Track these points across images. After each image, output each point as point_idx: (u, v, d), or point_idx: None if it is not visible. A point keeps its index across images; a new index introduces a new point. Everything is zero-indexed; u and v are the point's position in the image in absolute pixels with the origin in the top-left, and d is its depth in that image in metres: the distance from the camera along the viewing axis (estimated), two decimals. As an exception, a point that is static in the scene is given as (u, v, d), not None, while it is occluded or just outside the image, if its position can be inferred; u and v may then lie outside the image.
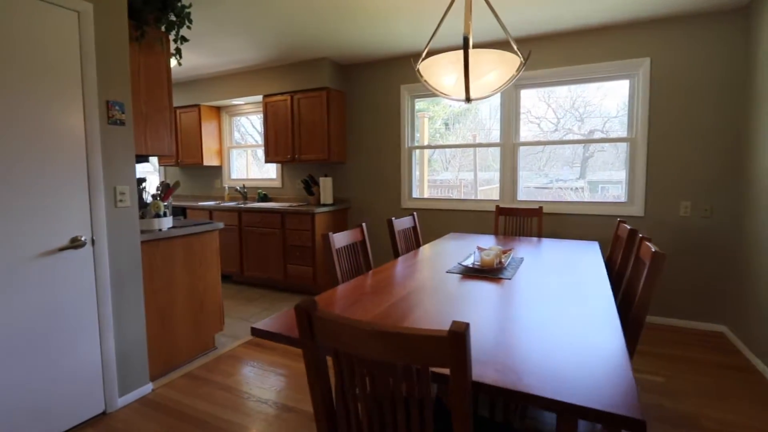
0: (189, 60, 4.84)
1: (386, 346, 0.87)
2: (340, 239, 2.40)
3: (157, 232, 2.81)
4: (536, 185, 4.33)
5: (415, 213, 3.44)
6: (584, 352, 1.21)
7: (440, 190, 4.98)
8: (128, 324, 2.55)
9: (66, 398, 2.23)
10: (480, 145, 4.54)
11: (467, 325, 0.78)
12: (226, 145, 6.23)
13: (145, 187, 2.87)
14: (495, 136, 4.48)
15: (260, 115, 5.96)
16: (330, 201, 5.04)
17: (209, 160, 6.01)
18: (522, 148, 4.27)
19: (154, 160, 6.23)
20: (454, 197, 4.78)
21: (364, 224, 2.66)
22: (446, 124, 4.89)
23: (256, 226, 4.99)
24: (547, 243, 3.18)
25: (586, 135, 4.09)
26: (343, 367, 1.01)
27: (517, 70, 2.11)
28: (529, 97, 4.24)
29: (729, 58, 3.37)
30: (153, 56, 2.92)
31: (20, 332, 2.03)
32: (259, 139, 6.10)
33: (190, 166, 6.18)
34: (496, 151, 4.48)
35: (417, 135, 4.88)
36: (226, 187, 6.20)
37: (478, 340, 1.31)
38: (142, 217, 2.83)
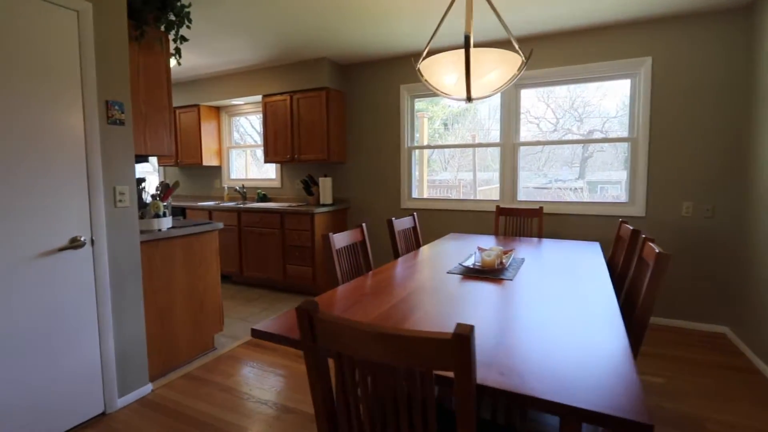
0: (188, 60, 4.82)
1: (389, 349, 0.86)
2: (340, 240, 2.39)
3: (157, 232, 2.80)
4: (535, 185, 4.32)
5: (415, 213, 3.43)
6: (588, 354, 1.20)
7: (439, 190, 4.97)
8: (128, 324, 2.54)
9: (65, 398, 2.22)
10: (480, 145, 4.53)
11: (472, 327, 0.77)
12: (226, 145, 6.21)
13: (144, 187, 2.86)
14: (494, 136, 4.47)
15: (259, 115, 5.94)
16: (329, 201, 5.03)
17: (209, 160, 6.00)
18: (521, 149, 4.26)
19: (153, 160, 6.22)
20: (453, 197, 4.77)
21: (364, 224, 2.65)
22: (445, 125, 4.89)
23: (256, 227, 4.98)
24: (548, 243, 3.17)
25: (585, 135, 4.09)
26: (344, 369, 1.00)
27: (518, 70, 2.10)
28: (528, 97, 4.23)
29: (731, 58, 3.36)
30: (152, 56, 2.91)
31: (20, 332, 2.02)
32: (258, 140, 6.08)
33: (190, 166, 6.16)
34: (495, 151, 4.47)
35: (416, 135, 4.87)
36: (226, 187, 6.19)
37: (480, 341, 1.30)
38: (141, 217, 2.82)
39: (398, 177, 4.86)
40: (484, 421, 1.40)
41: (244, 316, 4.09)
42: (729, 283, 3.48)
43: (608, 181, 4.10)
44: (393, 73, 4.79)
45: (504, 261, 2.34)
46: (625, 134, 3.88)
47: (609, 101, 3.95)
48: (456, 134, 4.79)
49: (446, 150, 4.87)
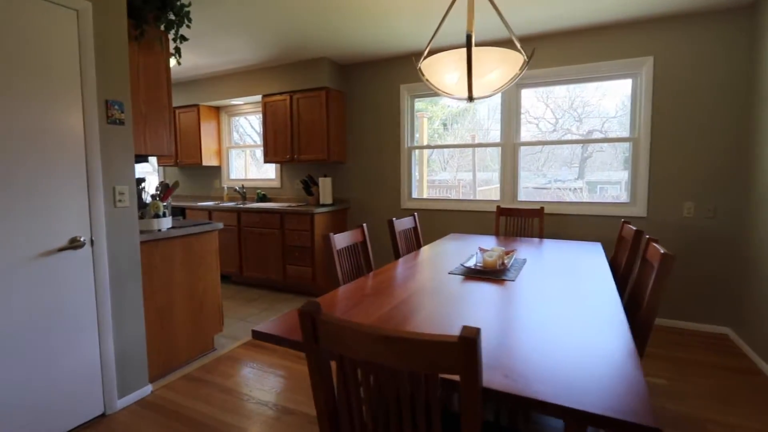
0: (188, 60, 4.81)
1: (393, 352, 0.84)
2: (340, 240, 2.38)
3: (157, 232, 2.79)
4: (535, 185, 4.32)
5: (415, 213, 3.42)
6: (593, 356, 1.19)
7: (438, 190, 4.96)
8: (127, 325, 2.52)
9: (65, 399, 2.20)
10: (480, 145, 4.52)
11: (478, 330, 0.76)
12: (225, 145, 6.20)
13: (144, 187, 2.85)
14: (493, 136, 4.47)
15: (259, 116, 5.93)
16: (329, 201, 5.02)
17: (208, 160, 5.99)
18: (521, 149, 4.24)
19: (153, 160, 6.21)
20: (452, 197, 4.76)
21: (364, 225, 2.64)
22: (444, 125, 4.88)
23: (256, 227, 4.96)
24: (549, 244, 3.16)
25: (584, 135, 4.08)
26: (347, 372, 0.99)
27: (520, 69, 2.09)
28: (527, 98, 4.22)
29: (733, 57, 3.35)
30: (152, 55, 2.90)
31: (19, 333, 2.01)
32: (258, 140, 6.07)
33: (189, 166, 6.15)
34: (494, 152, 4.46)
35: (416, 135, 4.86)
36: (225, 188, 6.17)
37: (483, 343, 1.29)
38: (141, 217, 2.81)
39: (398, 177, 4.85)
40: (487, 423, 1.39)
41: (243, 317, 4.08)
42: (731, 283, 3.47)
43: (608, 181, 4.09)
44: (393, 73, 4.78)
45: (506, 262, 2.33)
46: (624, 134, 3.87)
47: (608, 101, 3.94)
48: (455, 134, 4.78)
49: (445, 150, 4.86)
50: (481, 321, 1.50)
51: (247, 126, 6.19)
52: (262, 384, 2.76)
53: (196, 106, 5.81)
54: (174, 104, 5.99)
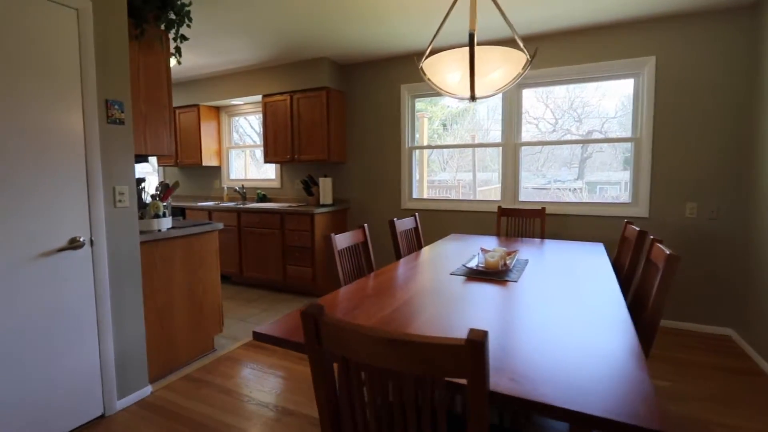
0: (188, 60, 4.80)
1: (398, 355, 0.83)
2: (342, 240, 2.37)
3: (157, 232, 2.78)
4: (534, 186, 4.31)
5: (416, 214, 3.40)
6: (598, 358, 1.18)
7: (438, 190, 4.95)
8: (127, 325, 2.51)
9: (64, 400, 2.19)
10: (481, 145, 4.51)
11: (485, 333, 0.74)
12: (225, 145, 6.19)
13: (144, 188, 2.83)
14: (493, 136, 4.46)
15: (259, 116, 5.92)
16: (329, 201, 5.00)
17: (208, 160, 5.97)
18: (521, 149, 4.23)
19: (153, 160, 6.19)
20: (452, 198, 4.74)
21: (365, 225, 2.62)
22: (444, 125, 4.87)
23: (256, 227, 4.95)
24: (551, 244, 3.14)
25: (584, 135, 4.07)
26: (350, 374, 0.98)
27: (523, 68, 2.07)
28: (527, 98, 4.21)
29: (736, 57, 3.34)
30: (152, 55, 2.88)
31: (18, 334, 2.00)
32: (257, 140, 6.06)
33: (189, 166, 6.13)
34: (494, 152, 4.46)
35: (417, 135, 4.85)
36: (225, 188, 6.16)
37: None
38: (141, 217, 2.79)
39: (399, 177, 4.83)
40: (492, 426, 1.38)
41: (244, 317, 4.06)
42: (734, 284, 3.45)
43: (607, 181, 4.08)
44: (393, 73, 4.76)
45: (508, 262, 2.31)
46: (624, 134, 3.86)
47: (608, 102, 3.94)
48: (455, 135, 4.77)
49: (445, 150, 4.84)
50: (485, 322, 1.48)
51: (246, 126, 6.18)
52: (263, 385, 2.75)
53: (196, 106, 5.80)
54: (174, 104, 5.98)
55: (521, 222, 3.92)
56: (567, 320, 1.49)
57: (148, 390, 2.64)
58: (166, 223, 2.93)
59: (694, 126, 3.50)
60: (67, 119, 2.17)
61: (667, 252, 1.58)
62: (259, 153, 6.01)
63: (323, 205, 4.90)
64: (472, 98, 2.12)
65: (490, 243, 3.25)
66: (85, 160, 2.25)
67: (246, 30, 3.85)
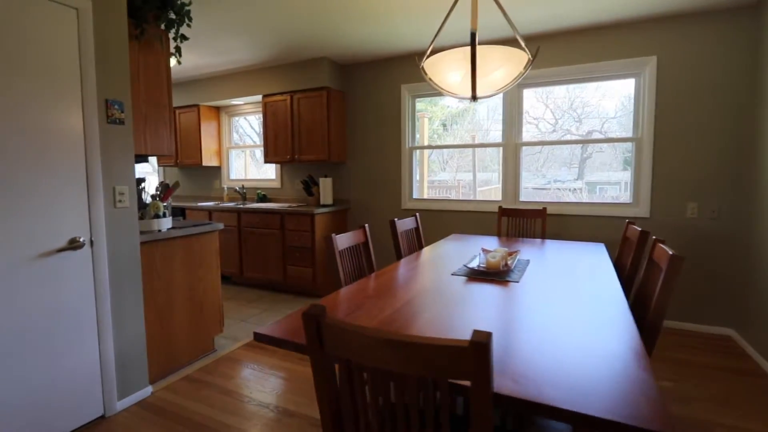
0: (188, 60, 4.79)
1: (401, 356, 0.82)
2: (342, 241, 2.36)
3: (157, 232, 2.77)
4: (534, 186, 4.30)
5: (417, 214, 3.40)
6: (602, 359, 1.17)
7: (438, 190, 4.94)
8: (127, 326, 2.50)
9: (64, 401, 2.18)
10: (482, 145, 4.50)
11: (490, 335, 0.74)
12: (226, 145, 6.18)
13: (144, 188, 2.82)
14: (493, 136, 4.45)
15: (258, 116, 5.91)
16: (330, 202, 5.00)
17: (208, 160, 5.96)
18: (522, 149, 4.22)
19: (153, 160, 6.18)
20: (452, 198, 4.74)
21: (366, 225, 2.61)
22: (444, 125, 4.86)
23: (256, 227, 4.94)
24: (552, 245, 3.13)
25: (584, 136, 4.07)
26: (352, 376, 0.97)
27: (524, 68, 2.06)
28: (527, 98, 4.21)
29: (738, 57, 3.33)
30: (152, 55, 2.87)
31: (18, 335, 1.99)
32: (257, 140, 6.05)
33: (189, 166, 6.12)
34: (494, 152, 4.45)
35: (417, 135, 4.84)
36: (225, 188, 6.15)
37: (490, 346, 1.27)
38: (141, 217, 2.78)
39: (399, 177, 4.82)
40: (495, 428, 1.37)
41: (244, 317, 4.05)
42: (734, 284, 3.44)
43: (607, 181, 4.08)
44: (394, 73, 4.76)
45: (509, 263, 2.30)
46: (624, 134, 3.86)
47: (608, 102, 3.93)
48: (455, 135, 4.76)
49: (444, 150, 4.84)
50: (487, 323, 1.48)
51: (246, 126, 6.17)
52: (263, 385, 2.74)
53: (197, 106, 5.79)
54: (174, 104, 5.97)
55: (522, 222, 3.91)
56: (569, 321, 1.49)
57: (148, 390, 2.63)
58: (167, 223, 2.92)
59: (695, 126, 3.49)
60: (67, 119, 2.16)
61: (671, 252, 1.57)
62: (259, 153, 6.00)
63: (323, 206, 4.89)
64: (474, 98, 2.11)
65: (491, 243, 3.24)
66: (85, 160, 2.25)
67: (246, 29, 3.85)
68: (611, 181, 4.07)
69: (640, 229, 2.31)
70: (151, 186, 3.08)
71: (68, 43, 2.15)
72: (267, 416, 2.40)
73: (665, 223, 3.63)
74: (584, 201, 4.04)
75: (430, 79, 2.26)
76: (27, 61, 1.99)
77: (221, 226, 3.28)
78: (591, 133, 4.04)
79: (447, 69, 2.15)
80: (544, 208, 3.77)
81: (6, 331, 1.95)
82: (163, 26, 2.91)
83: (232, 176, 6.25)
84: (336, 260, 2.22)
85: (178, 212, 5.55)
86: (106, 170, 2.36)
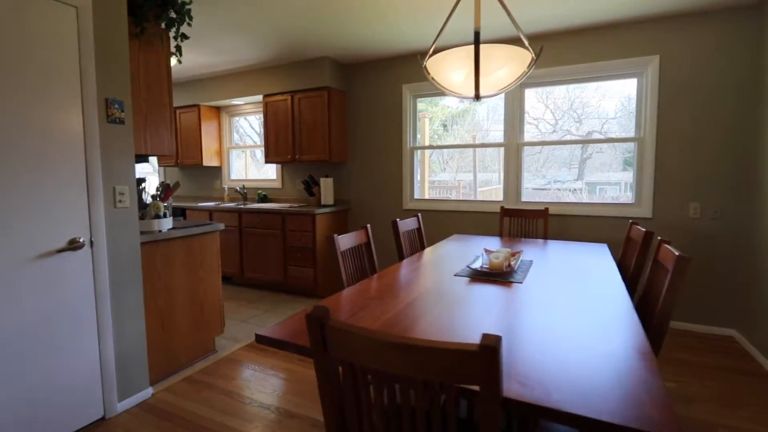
0: (189, 59, 4.77)
1: (408, 360, 0.80)
2: (345, 241, 2.34)
3: (157, 233, 2.75)
4: (534, 186, 4.29)
5: (419, 214, 3.38)
6: (609, 361, 1.15)
7: (438, 191, 4.93)
8: (128, 327, 2.48)
9: (64, 403, 2.17)
10: (484, 145, 4.48)
11: (499, 338, 0.72)
12: (226, 145, 6.16)
13: (144, 188, 2.81)
14: (493, 137, 4.44)
15: (259, 116, 5.90)
16: (331, 202, 4.98)
17: (209, 160, 5.95)
18: (523, 149, 4.21)
19: (153, 160, 6.16)
20: (452, 198, 4.72)
21: (368, 226, 2.60)
22: (444, 126, 4.85)
23: (257, 227, 4.92)
24: (554, 245, 3.12)
25: (583, 136, 4.06)
26: (357, 380, 0.95)
27: (528, 67, 2.05)
28: (527, 98, 4.19)
29: (740, 56, 3.31)
30: (153, 54, 2.86)
31: (17, 336, 1.97)
32: (257, 140, 6.04)
33: (190, 166, 6.11)
34: (494, 152, 4.44)
35: (418, 135, 4.82)
36: (226, 188, 6.13)
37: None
38: (141, 218, 2.77)
39: (400, 178, 4.81)
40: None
41: (245, 318, 4.04)
42: (737, 285, 3.43)
43: (607, 182, 4.07)
44: (395, 73, 4.74)
45: (512, 263, 2.29)
46: (624, 135, 3.84)
47: (608, 102, 3.92)
48: (455, 135, 4.75)
49: (445, 151, 4.82)
50: (491, 325, 1.46)
51: (246, 126, 6.15)
52: (264, 387, 2.72)
53: (197, 106, 5.77)
54: (174, 104, 5.95)
55: (524, 222, 3.89)
56: (574, 322, 1.47)
57: (148, 392, 2.61)
58: (167, 223, 2.90)
59: (698, 126, 3.47)
60: (67, 118, 2.14)
61: (677, 253, 1.55)
62: (260, 153, 5.99)
63: (324, 206, 4.87)
64: (477, 97, 2.10)
65: (493, 243, 3.23)
66: (84, 159, 2.23)
67: (247, 29, 3.83)
68: (611, 182, 4.06)
69: (644, 229, 2.29)
70: (151, 186, 3.07)
71: (68, 41, 2.14)
72: (268, 417, 2.38)
73: (667, 224, 3.62)
74: (586, 201, 4.02)
75: (432, 78, 2.25)
76: (26, 60, 1.97)
77: (222, 226, 3.26)
78: (591, 134, 4.03)
79: (450, 68, 2.13)
80: (546, 209, 3.76)
81: (5, 332, 1.93)
82: (163, 25, 2.89)
83: (233, 176, 6.23)
84: (338, 261, 2.21)
85: (178, 212, 5.53)
86: (106, 170, 2.34)
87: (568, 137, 4.11)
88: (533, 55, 2.02)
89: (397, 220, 2.89)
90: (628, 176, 3.90)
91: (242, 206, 5.08)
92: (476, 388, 0.94)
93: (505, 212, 3.94)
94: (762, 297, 3.04)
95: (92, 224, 2.27)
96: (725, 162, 3.41)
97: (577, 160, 4.16)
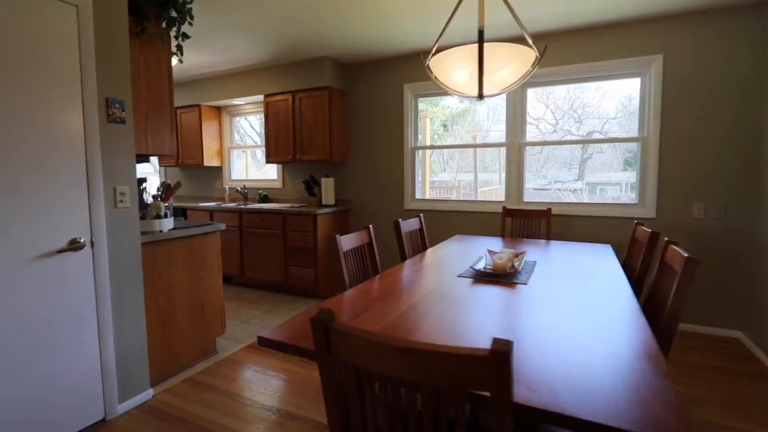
0: (189, 59, 4.76)
1: (416, 365, 0.78)
2: (347, 242, 2.32)
3: (158, 233, 2.73)
4: (534, 186, 4.27)
5: (421, 214, 3.36)
6: (617, 364, 1.13)
7: (438, 191, 4.91)
8: (128, 328, 2.47)
9: (64, 405, 2.15)
10: (486, 145, 4.46)
11: (510, 343, 0.70)
12: (227, 145, 6.14)
13: (145, 188, 2.79)
14: (493, 137, 4.42)
15: (259, 116, 5.88)
16: (332, 202, 4.96)
17: (210, 160, 5.93)
18: (525, 149, 4.19)
19: (154, 160, 6.16)
20: (453, 198, 4.70)
21: (371, 226, 2.58)
22: (444, 126, 4.83)
23: (257, 228, 4.91)
24: (558, 246, 3.10)
25: (584, 136, 4.04)
26: (363, 384, 0.93)
27: (532, 66, 2.03)
28: (528, 98, 4.17)
29: (745, 55, 3.29)
30: (154, 53, 2.84)
31: (17, 337, 1.95)
32: (258, 140, 6.02)
33: (191, 166, 6.09)
34: (494, 152, 4.42)
35: (419, 135, 4.80)
36: (227, 188, 6.11)
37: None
38: (142, 218, 2.75)
39: (401, 178, 4.79)
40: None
41: (246, 318, 4.02)
42: (742, 286, 3.40)
43: (608, 182, 4.05)
44: (396, 72, 4.72)
45: (516, 264, 2.26)
46: (624, 135, 3.82)
47: (608, 102, 3.90)
48: (455, 135, 4.74)
49: (445, 151, 4.80)
50: (495, 327, 1.44)
51: (247, 126, 6.14)
52: (265, 388, 2.70)
53: (198, 106, 5.76)
54: (175, 104, 5.93)
55: (526, 223, 3.87)
56: (581, 324, 1.45)
57: (149, 393, 2.60)
58: (168, 223, 2.88)
59: (702, 125, 3.45)
60: (68, 118, 2.13)
61: (685, 254, 1.53)
62: (260, 153, 5.97)
63: (325, 206, 4.85)
64: (480, 96, 2.08)
65: (495, 244, 3.21)
66: (85, 159, 2.21)
67: (248, 28, 3.81)
68: (611, 182, 4.04)
69: (650, 230, 2.27)
70: (152, 186, 3.05)
71: (68, 40, 2.12)
72: (269, 419, 2.36)
73: (671, 224, 3.59)
74: (589, 202, 4.00)
75: (435, 77, 2.23)
76: (26, 59, 1.96)
77: (223, 226, 3.24)
78: (591, 134, 4.01)
79: (453, 67, 2.11)
80: (549, 209, 3.73)
81: (6, 333, 1.92)
82: (164, 24, 2.87)
83: (234, 176, 6.21)
84: (340, 262, 2.19)
85: (179, 213, 5.51)
86: (107, 170, 2.32)
87: (568, 137, 4.09)
88: (537, 53, 2.00)
89: (400, 220, 2.87)
90: (629, 176, 3.88)
91: (243, 206, 5.06)
92: (486, 393, 0.91)
93: (507, 212, 3.92)
94: (767, 298, 3.01)
95: (93, 224, 2.25)
96: (729, 161, 3.38)
97: (578, 160, 4.14)
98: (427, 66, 2.21)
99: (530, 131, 4.19)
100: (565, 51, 3.87)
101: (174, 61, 3.16)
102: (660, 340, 1.54)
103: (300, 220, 4.60)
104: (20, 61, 1.94)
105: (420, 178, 4.82)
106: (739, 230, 3.38)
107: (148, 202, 2.81)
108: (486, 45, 1.91)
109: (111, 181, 2.35)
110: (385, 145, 4.85)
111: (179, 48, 3.02)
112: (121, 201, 2.39)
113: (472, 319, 1.53)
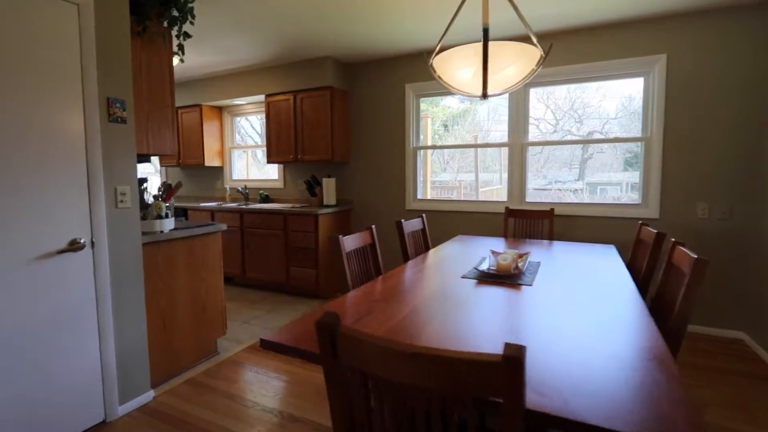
0: (191, 59, 4.74)
1: (425, 370, 0.76)
2: (349, 243, 2.31)
3: (159, 233, 2.72)
4: (535, 186, 4.25)
5: (424, 215, 3.34)
6: (627, 367, 1.11)
7: (439, 191, 4.89)
8: (129, 329, 2.45)
9: (64, 407, 2.13)
10: (488, 145, 4.44)
11: (523, 348, 0.68)
12: (228, 145, 6.13)
13: (146, 188, 2.77)
14: (493, 137, 4.40)
15: (260, 116, 5.86)
16: (333, 202, 4.94)
17: (211, 160, 5.91)
18: (527, 149, 4.17)
19: (155, 160, 6.14)
20: (454, 198, 4.68)
21: (373, 227, 2.56)
22: (445, 126, 4.81)
23: (259, 228, 4.89)
24: (561, 246, 3.08)
25: (584, 136, 4.02)
26: (369, 390, 0.91)
27: (536, 65, 2.01)
28: (530, 98, 4.15)
29: (748, 55, 3.27)
30: (155, 52, 2.82)
31: (17, 337, 1.94)
32: (259, 140, 6.00)
33: (192, 166, 6.08)
34: (495, 153, 4.40)
35: (421, 135, 4.78)
36: (228, 188, 6.10)
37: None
38: (143, 218, 2.73)
39: (403, 178, 4.77)
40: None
41: (247, 319, 4.00)
42: (746, 286, 3.38)
43: (608, 182, 4.03)
44: (398, 72, 4.70)
45: (520, 265, 2.24)
46: (624, 135, 3.80)
47: (609, 102, 3.88)
48: (456, 135, 4.72)
49: (445, 151, 4.78)
50: (501, 329, 1.42)
51: (248, 127, 6.12)
52: (267, 389, 2.69)
53: (199, 106, 5.74)
54: (176, 104, 5.91)
55: (528, 223, 3.85)
56: (588, 326, 1.43)
57: (150, 395, 2.58)
58: (169, 224, 2.87)
59: (706, 125, 3.43)
60: (68, 117, 2.11)
61: (694, 256, 1.51)
62: (261, 153, 5.96)
63: (327, 206, 4.83)
64: (484, 96, 2.06)
65: (498, 244, 3.19)
66: (85, 159, 2.19)
67: (249, 27, 3.79)
68: (612, 182, 4.02)
69: (655, 231, 2.25)
70: (153, 186, 3.03)
71: (69, 39, 2.10)
72: (271, 421, 2.35)
73: (675, 224, 3.57)
74: (591, 202, 3.97)
75: (439, 77, 2.21)
76: (27, 58, 1.94)
77: (224, 226, 3.23)
78: (592, 134, 4.00)
79: (457, 66, 2.09)
80: (552, 209, 3.72)
81: (6, 333, 1.90)
82: (165, 23, 2.86)
83: (235, 176, 6.20)
84: (343, 263, 2.17)
85: (180, 213, 5.50)
86: (108, 170, 2.31)
87: (568, 137, 4.07)
88: (542, 52, 1.98)
89: (402, 220, 2.86)
90: (629, 176, 3.87)
91: (244, 206, 5.05)
92: (498, 400, 0.89)
93: (510, 213, 3.90)
94: (771, 299, 3.00)
95: (93, 225, 2.23)
96: (733, 161, 3.36)
97: (578, 160, 4.12)
98: (431, 65, 2.19)
99: (531, 131, 4.18)
100: (567, 51, 3.85)
101: (175, 60, 3.14)
102: (669, 342, 1.52)
103: (301, 220, 4.58)
104: (21, 61, 1.92)
105: (421, 178, 4.80)
106: (744, 230, 3.36)
107: (149, 203, 2.79)
108: (490, 44, 1.90)
109: (112, 181, 2.33)
110: (387, 145, 4.84)
111: (180, 47, 3.00)
112: (121, 201, 2.38)
113: (478, 321, 1.51)
